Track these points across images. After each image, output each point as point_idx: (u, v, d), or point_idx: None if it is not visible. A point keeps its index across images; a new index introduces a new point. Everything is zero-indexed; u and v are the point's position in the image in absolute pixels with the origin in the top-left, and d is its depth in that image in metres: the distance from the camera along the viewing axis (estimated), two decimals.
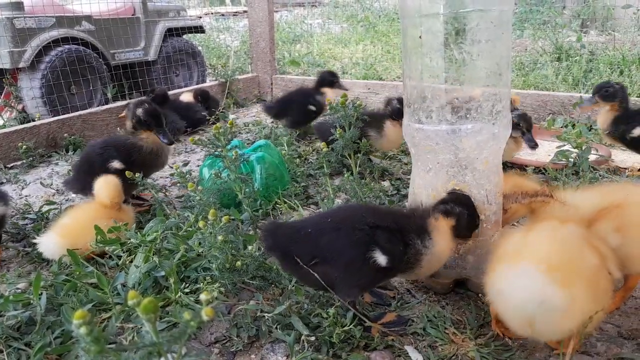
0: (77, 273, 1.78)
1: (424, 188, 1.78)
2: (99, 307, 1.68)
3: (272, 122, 4.01)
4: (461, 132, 1.63)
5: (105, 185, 2.12)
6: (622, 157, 3.01)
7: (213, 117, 4.14)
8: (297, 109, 3.48)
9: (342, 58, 6.94)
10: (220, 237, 1.64)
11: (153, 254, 1.80)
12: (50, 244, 1.95)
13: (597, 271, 1.25)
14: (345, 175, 2.27)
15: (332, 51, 7.46)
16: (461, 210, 1.56)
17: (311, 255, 1.45)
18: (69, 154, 3.50)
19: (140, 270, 1.74)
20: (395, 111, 2.64)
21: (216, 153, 2.09)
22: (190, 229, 1.98)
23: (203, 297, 0.97)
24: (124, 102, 4.01)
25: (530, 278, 1.20)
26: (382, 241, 1.44)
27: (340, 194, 2.56)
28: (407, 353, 1.44)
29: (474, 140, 1.64)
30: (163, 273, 1.69)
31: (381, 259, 1.42)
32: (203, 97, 4.22)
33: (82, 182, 2.37)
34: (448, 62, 1.61)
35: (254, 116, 4.36)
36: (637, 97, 3.86)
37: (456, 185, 1.69)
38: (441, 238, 1.53)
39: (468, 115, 1.63)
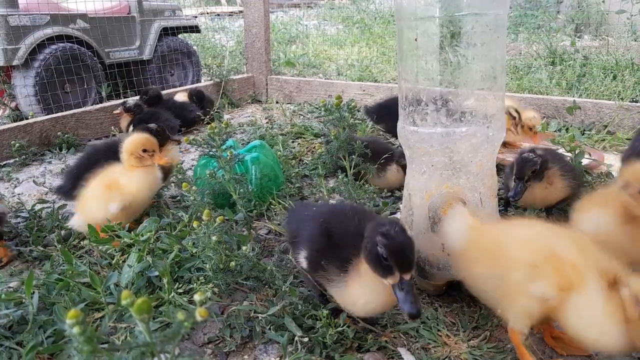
0: (70, 272, 1.77)
1: (418, 190, 1.78)
2: (91, 307, 1.67)
3: (267, 122, 4.01)
4: (455, 135, 1.64)
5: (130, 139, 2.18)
6: (614, 160, 3.02)
7: (207, 117, 4.14)
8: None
9: (337, 59, 6.95)
10: (214, 238, 1.64)
11: (146, 254, 1.80)
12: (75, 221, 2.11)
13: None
14: (340, 176, 2.28)
15: (327, 52, 7.47)
16: (373, 245, 1.24)
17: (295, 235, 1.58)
18: (62, 152, 3.48)
19: (134, 269, 1.74)
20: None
21: (211, 153, 2.08)
22: (184, 229, 1.97)
23: (197, 297, 0.97)
24: (118, 101, 4.00)
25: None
26: (307, 242, 1.47)
27: (335, 195, 2.56)
28: (400, 355, 1.44)
29: (469, 143, 1.64)
30: (156, 273, 1.68)
31: (302, 259, 1.48)
32: (198, 96, 4.21)
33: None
34: (443, 65, 1.62)
35: (249, 116, 4.36)
36: (630, 101, 3.89)
37: (450, 188, 1.69)
38: (358, 281, 1.33)
39: (462, 119, 1.64)
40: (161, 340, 0.96)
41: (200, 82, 5.40)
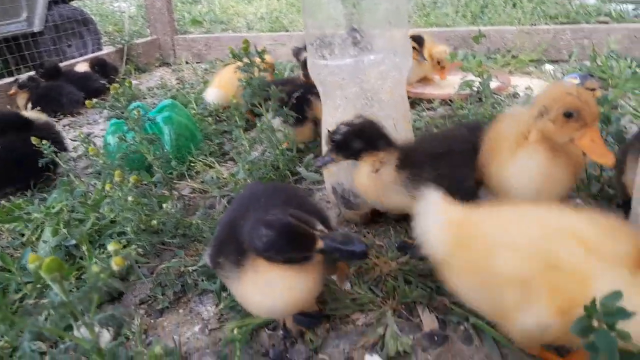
0: None
1: (336, 125, 1.78)
2: (6, 290, 1.56)
3: (178, 83, 3.85)
4: (364, 63, 1.63)
5: None
6: (520, 81, 3.17)
7: (113, 84, 3.91)
8: None
9: (246, 15, 6.74)
10: (130, 198, 1.57)
11: (62, 227, 1.70)
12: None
13: None
14: (259, 125, 2.23)
15: (235, 8, 7.22)
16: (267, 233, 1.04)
17: None
18: None
19: (49, 244, 1.64)
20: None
21: (117, 114, 1.97)
22: (99, 197, 1.88)
23: (110, 247, 0.92)
24: (11, 79, 3.68)
25: None
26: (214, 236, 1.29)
27: (257, 146, 2.52)
28: (335, 282, 1.46)
29: (377, 70, 1.65)
30: (74, 242, 1.60)
31: (206, 255, 1.29)
32: (100, 65, 3.98)
33: None
34: (350, 7, 1.60)
35: (158, 80, 4.16)
36: (529, 25, 4.06)
37: None
38: (253, 276, 1.10)
39: (369, 47, 1.64)
40: (79, 297, 0.91)
41: (101, 50, 5.06)
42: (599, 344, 0.80)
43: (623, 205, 1.51)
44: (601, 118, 1.82)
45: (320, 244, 1.04)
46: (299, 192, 1.61)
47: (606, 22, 4.06)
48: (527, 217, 1.08)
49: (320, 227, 1.09)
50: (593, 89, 2.68)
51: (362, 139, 1.52)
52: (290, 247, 1.04)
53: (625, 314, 0.80)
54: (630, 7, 4.46)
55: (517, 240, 1.02)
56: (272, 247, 1.03)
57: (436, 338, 1.28)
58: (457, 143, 1.53)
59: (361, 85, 1.67)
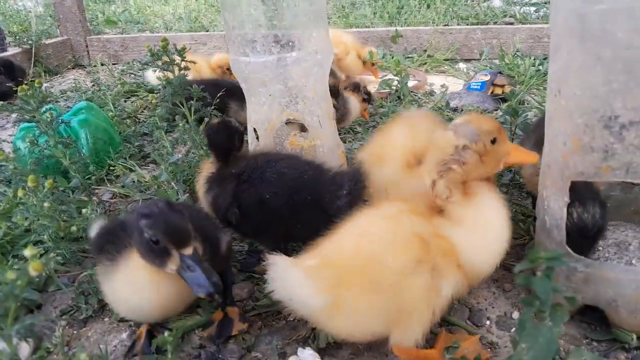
0: None
1: (261, 123, 1.78)
2: None
3: (93, 85, 3.68)
4: (287, 60, 1.65)
5: None
6: (436, 79, 3.32)
7: (21, 86, 3.67)
8: None
9: (163, 15, 6.55)
10: (46, 204, 1.49)
11: None
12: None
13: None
14: (180, 125, 2.18)
15: (152, 9, 7.00)
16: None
17: None
18: None
19: None
20: None
21: (27, 117, 1.85)
22: (10, 205, 1.76)
23: (27, 252, 0.87)
24: None
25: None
26: None
27: (180, 147, 2.46)
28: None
29: (300, 67, 1.67)
30: None
31: None
32: (6, 67, 3.72)
33: None
34: (272, 10, 1.60)
35: (72, 82, 3.95)
36: (443, 26, 4.25)
37: (290, 115, 1.72)
38: (124, 270, 1.11)
39: (291, 44, 1.65)
40: None
41: (6, 51, 4.73)
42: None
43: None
44: (510, 112, 1.95)
45: (175, 263, 1.02)
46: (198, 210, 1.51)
47: (511, 23, 4.34)
48: (372, 219, 1.15)
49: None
50: (502, 85, 2.87)
51: (209, 141, 1.54)
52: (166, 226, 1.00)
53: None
54: (532, 9, 4.79)
55: (393, 233, 1.09)
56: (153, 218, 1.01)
57: None
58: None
59: (285, 83, 1.68)
